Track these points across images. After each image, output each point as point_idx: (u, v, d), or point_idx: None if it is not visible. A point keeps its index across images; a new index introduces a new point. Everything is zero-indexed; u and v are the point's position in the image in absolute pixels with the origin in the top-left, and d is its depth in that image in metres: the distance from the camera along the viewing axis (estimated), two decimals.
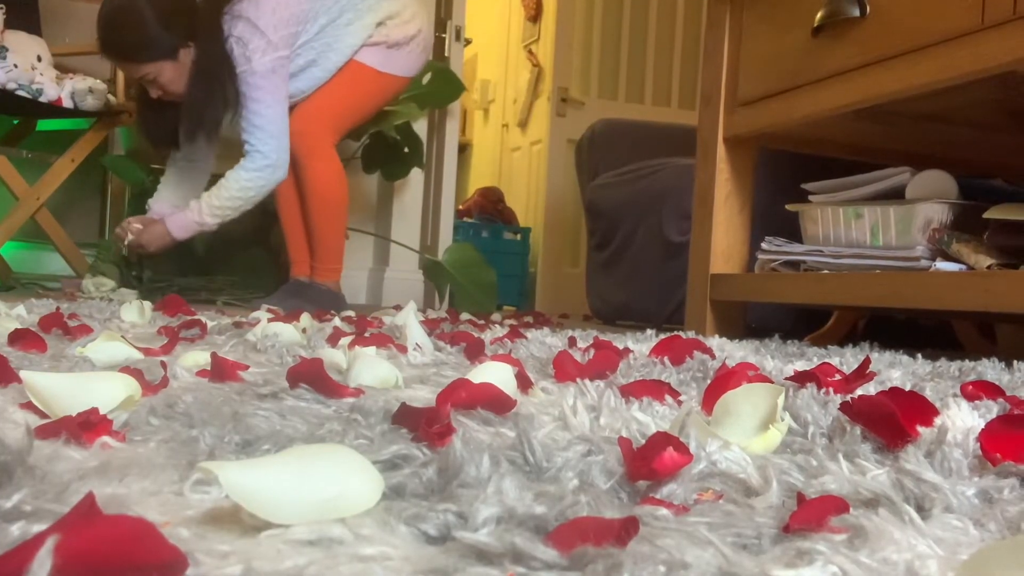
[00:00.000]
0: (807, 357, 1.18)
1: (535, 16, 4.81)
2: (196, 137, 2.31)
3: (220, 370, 0.69)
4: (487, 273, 3.11)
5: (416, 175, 3.62)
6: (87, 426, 0.43)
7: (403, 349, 0.95)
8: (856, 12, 1.48)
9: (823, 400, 0.64)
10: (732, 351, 1.19)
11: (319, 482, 0.32)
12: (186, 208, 2.34)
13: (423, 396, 0.65)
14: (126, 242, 2.39)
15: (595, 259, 3.04)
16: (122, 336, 0.84)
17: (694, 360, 0.94)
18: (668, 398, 0.65)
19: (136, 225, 2.38)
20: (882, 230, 1.57)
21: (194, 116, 2.26)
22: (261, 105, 2.25)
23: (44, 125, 3.11)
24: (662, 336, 1.19)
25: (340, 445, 0.36)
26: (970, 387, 0.75)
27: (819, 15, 1.54)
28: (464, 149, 5.37)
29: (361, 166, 3.37)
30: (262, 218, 3.02)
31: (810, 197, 1.74)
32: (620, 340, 1.27)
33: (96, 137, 2.85)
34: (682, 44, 4.57)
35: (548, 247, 4.50)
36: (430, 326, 1.37)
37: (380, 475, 0.35)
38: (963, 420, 0.58)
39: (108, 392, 0.51)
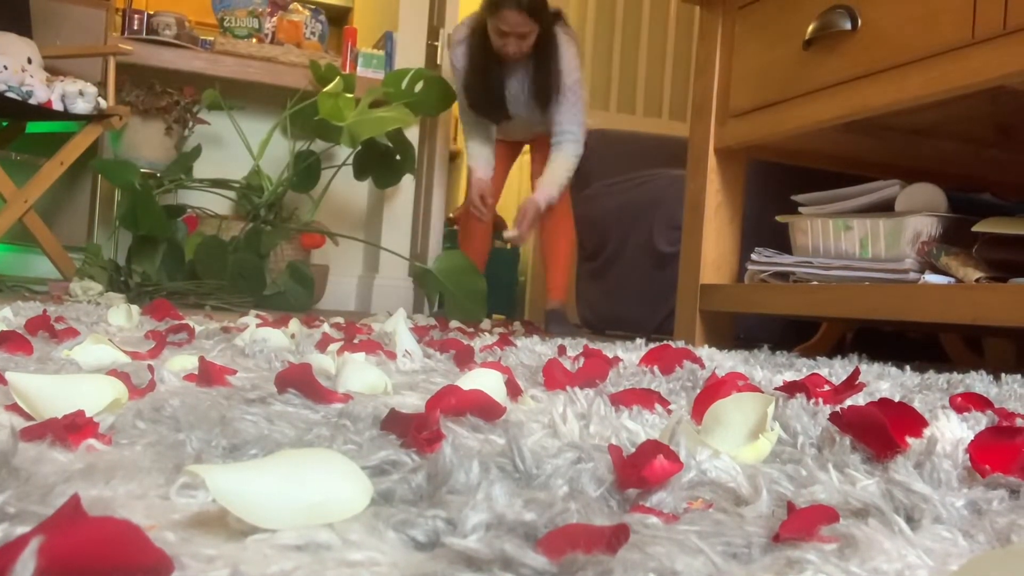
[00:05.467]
0: (796, 368, 1.18)
1: None
2: (541, 104, 2.90)
3: (208, 374, 0.68)
4: (477, 281, 3.11)
5: (407, 182, 3.62)
6: (73, 428, 0.42)
7: (392, 356, 0.95)
8: (848, 25, 1.48)
9: (812, 410, 0.64)
10: (721, 361, 1.19)
11: (307, 487, 0.32)
12: (544, 187, 2.91)
13: (412, 402, 0.65)
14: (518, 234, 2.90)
15: (585, 269, 3.04)
16: (109, 339, 0.83)
17: (684, 369, 0.94)
18: (658, 407, 0.65)
19: (516, 230, 2.89)
20: (871, 242, 1.57)
21: (541, 90, 2.88)
22: (583, 105, 2.93)
23: (34, 127, 3.10)
24: (652, 345, 1.19)
25: (328, 450, 0.36)
26: (959, 399, 0.75)
27: (811, 28, 1.55)
28: (455, 157, 5.37)
29: (353, 173, 3.37)
30: (252, 222, 3.02)
31: (800, 209, 1.75)
32: (610, 349, 1.27)
33: (86, 140, 2.84)
34: (673, 55, 4.59)
35: (538, 256, 4.50)
36: (419, 333, 1.37)
37: (369, 480, 0.35)
38: (952, 432, 0.58)
39: (94, 395, 0.51)
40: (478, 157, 3.04)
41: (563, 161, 2.91)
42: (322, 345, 1.04)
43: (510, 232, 2.92)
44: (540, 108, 2.93)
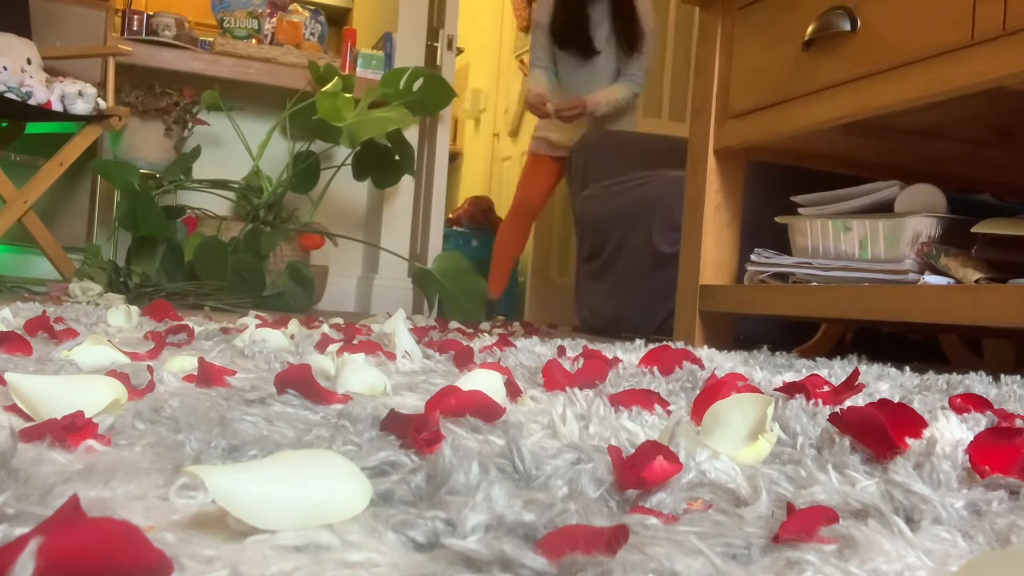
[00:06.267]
0: (795, 369, 1.18)
1: (527, 27, 4.82)
2: (623, 41, 3.27)
3: (207, 375, 0.68)
4: (476, 282, 3.11)
5: (406, 183, 3.62)
6: (72, 429, 0.42)
7: (392, 356, 0.95)
8: (847, 26, 1.48)
9: (812, 411, 0.64)
10: (721, 362, 1.19)
11: (306, 487, 0.32)
12: (596, 95, 3.25)
13: (412, 403, 0.65)
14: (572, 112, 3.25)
15: (584, 269, 3.04)
16: (108, 340, 0.83)
17: (683, 370, 0.94)
18: (657, 408, 0.65)
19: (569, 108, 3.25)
20: (871, 243, 1.57)
21: (624, 27, 3.25)
22: (649, 54, 3.33)
23: (33, 128, 3.10)
24: (651, 346, 1.19)
25: (328, 451, 0.36)
26: (958, 400, 0.75)
27: (810, 28, 1.55)
28: (455, 158, 5.38)
29: (352, 173, 3.37)
30: (252, 223, 3.02)
31: (799, 209, 1.75)
32: (609, 350, 1.27)
33: (85, 141, 2.84)
34: (673, 56, 4.59)
35: (538, 257, 4.50)
36: (419, 334, 1.37)
37: (368, 481, 0.35)
38: (951, 432, 0.58)
39: (94, 395, 0.51)
40: (538, 82, 3.36)
41: (619, 88, 3.29)
42: (321, 346, 1.04)
43: (552, 107, 3.27)
44: (621, 47, 3.29)
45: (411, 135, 3.53)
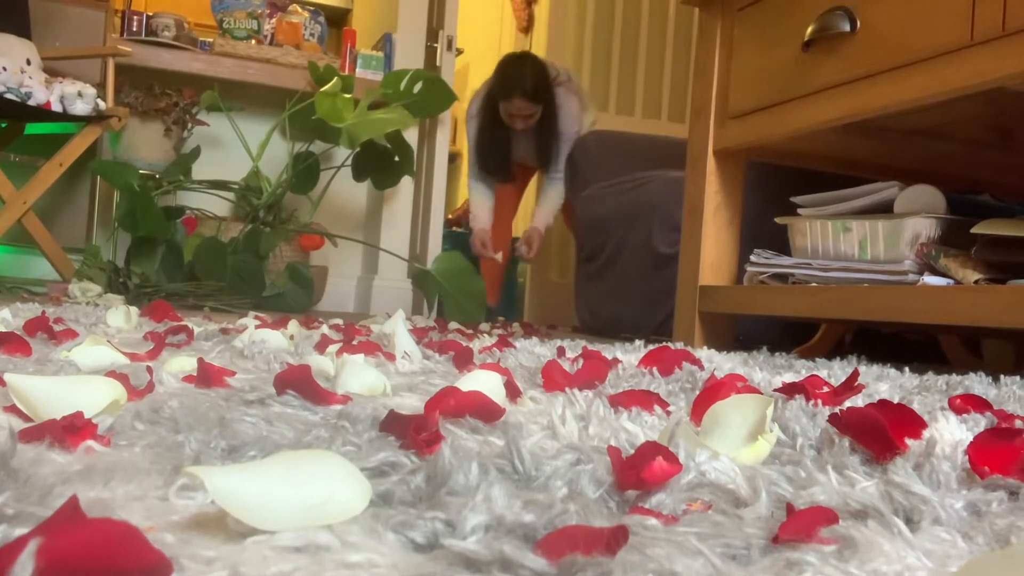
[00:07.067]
0: (795, 369, 1.18)
1: (527, 28, 4.83)
2: (541, 162, 3.41)
3: (206, 376, 0.68)
4: (476, 283, 3.11)
5: (406, 184, 3.62)
6: (71, 430, 0.42)
7: (391, 357, 0.95)
8: (846, 27, 1.49)
9: (811, 412, 0.64)
10: (720, 363, 1.19)
11: (306, 488, 0.32)
12: (541, 217, 3.42)
13: (411, 404, 0.65)
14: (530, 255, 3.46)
15: (584, 270, 3.04)
16: (108, 341, 0.83)
17: (683, 371, 0.94)
18: (657, 408, 0.65)
19: (523, 246, 3.45)
20: (870, 244, 1.57)
21: (543, 153, 3.36)
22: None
23: (32, 129, 3.10)
24: (651, 347, 1.19)
25: (327, 451, 0.36)
26: (958, 400, 0.75)
27: (810, 29, 1.55)
28: (454, 159, 5.37)
29: (351, 174, 3.37)
30: (251, 223, 3.02)
31: (799, 210, 1.75)
32: (609, 351, 1.27)
33: (84, 141, 2.84)
34: (672, 57, 4.59)
35: (537, 257, 4.49)
36: (418, 335, 1.37)
37: (368, 482, 0.35)
38: (951, 433, 0.58)
39: (93, 396, 0.51)
40: (479, 212, 3.48)
41: (554, 195, 3.40)
42: (321, 346, 1.04)
43: (522, 252, 3.47)
44: (540, 164, 3.45)
45: (411, 136, 3.53)
